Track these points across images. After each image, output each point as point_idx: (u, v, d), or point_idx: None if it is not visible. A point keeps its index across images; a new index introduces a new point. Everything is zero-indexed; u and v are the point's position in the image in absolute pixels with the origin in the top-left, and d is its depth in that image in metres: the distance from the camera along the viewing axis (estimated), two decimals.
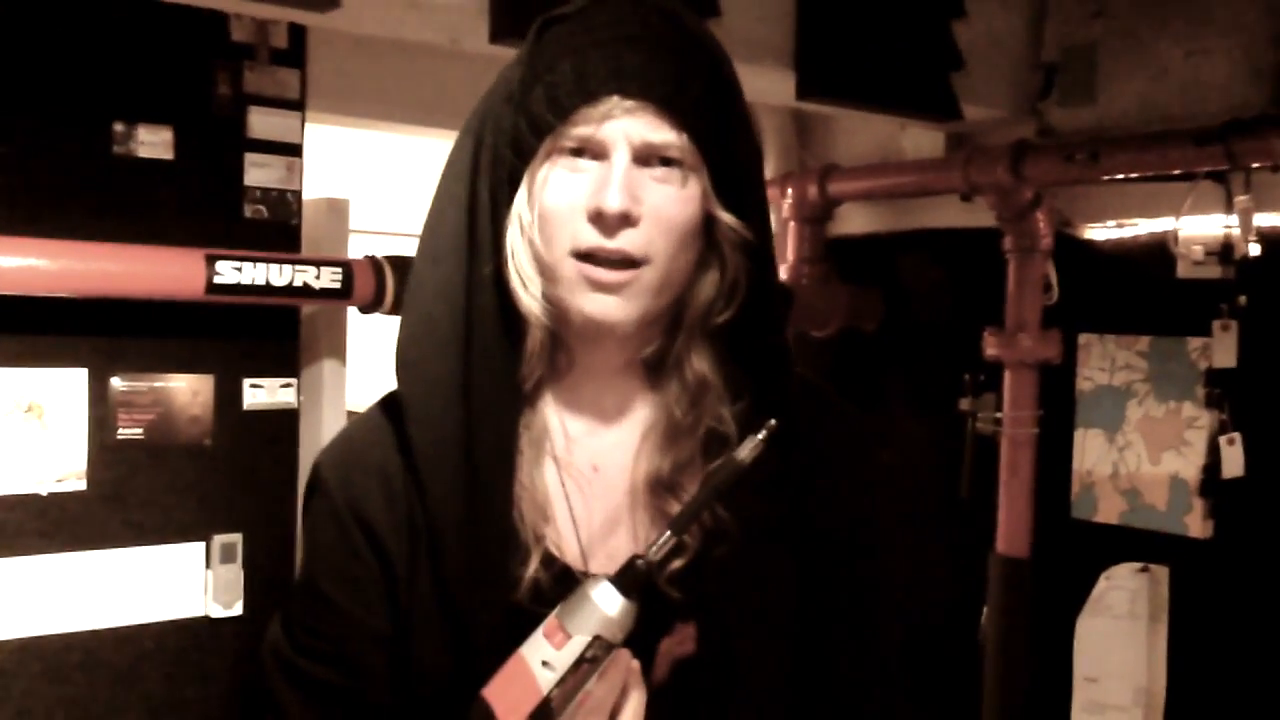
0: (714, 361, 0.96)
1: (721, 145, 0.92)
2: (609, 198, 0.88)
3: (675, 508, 0.93)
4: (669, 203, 0.90)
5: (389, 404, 0.99)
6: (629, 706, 0.87)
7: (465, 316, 0.92)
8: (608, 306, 0.91)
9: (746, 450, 0.87)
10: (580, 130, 0.90)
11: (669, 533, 0.87)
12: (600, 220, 0.89)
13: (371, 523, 0.95)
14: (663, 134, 0.90)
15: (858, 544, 1.01)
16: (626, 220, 0.89)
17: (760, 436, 0.87)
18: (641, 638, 0.88)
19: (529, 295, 0.92)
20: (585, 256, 0.90)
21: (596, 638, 0.86)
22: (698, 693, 0.93)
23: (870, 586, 1.01)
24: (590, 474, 0.97)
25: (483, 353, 0.93)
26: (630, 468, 0.97)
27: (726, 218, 0.93)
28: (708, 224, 0.93)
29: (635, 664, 0.87)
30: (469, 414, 0.92)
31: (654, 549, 0.87)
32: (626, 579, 0.86)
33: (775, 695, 0.96)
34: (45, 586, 2.02)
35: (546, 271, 0.91)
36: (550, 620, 0.86)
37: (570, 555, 0.95)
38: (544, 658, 0.86)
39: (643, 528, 0.96)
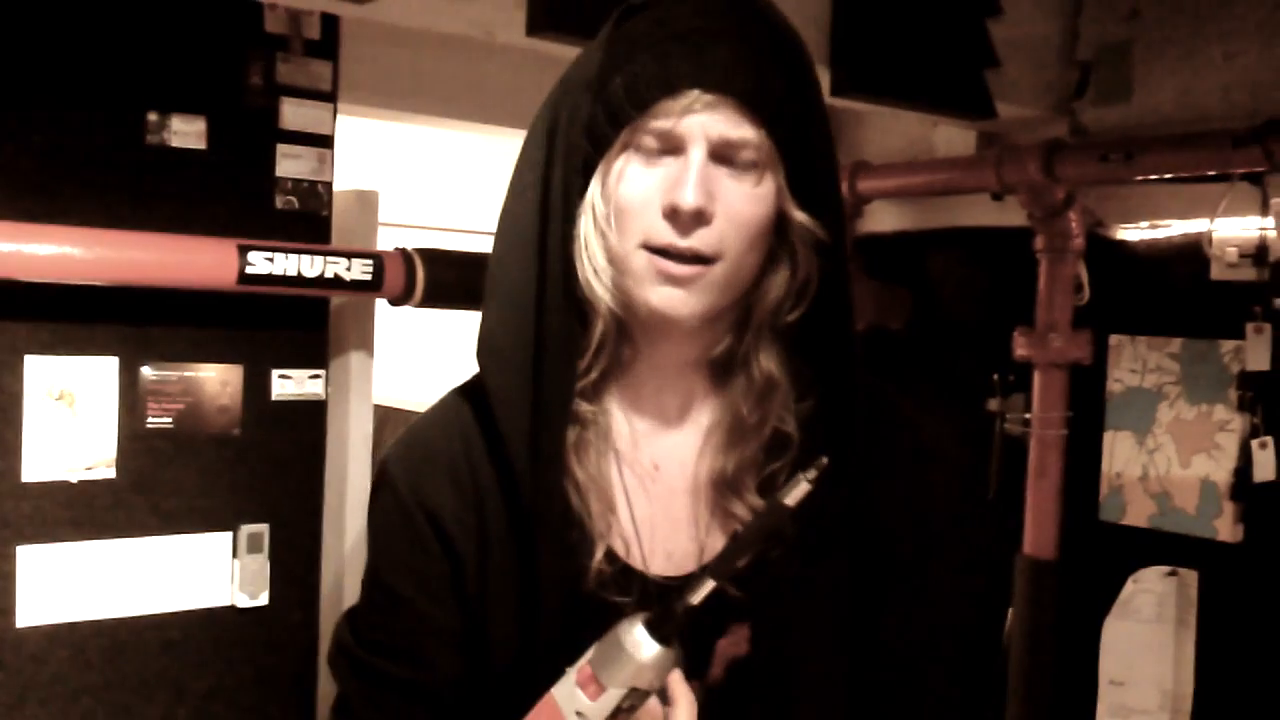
0: (781, 360, 0.95)
1: (799, 142, 0.91)
2: (685, 195, 0.87)
3: (738, 508, 0.93)
4: (743, 201, 0.89)
5: (457, 399, 0.99)
6: None
7: (537, 305, 0.91)
8: (675, 300, 0.89)
9: (793, 495, 0.84)
10: (659, 123, 0.88)
11: (709, 579, 0.83)
12: (675, 217, 0.88)
13: (440, 517, 0.94)
14: (742, 130, 0.88)
15: (915, 550, 1.00)
16: (700, 218, 0.87)
17: (809, 477, 0.83)
18: (698, 637, 0.87)
19: (600, 284, 0.91)
20: (657, 250, 0.89)
21: (633, 690, 0.83)
22: (752, 693, 0.92)
23: (925, 593, 1.00)
24: (652, 471, 0.96)
25: (553, 342, 0.91)
26: (693, 467, 0.96)
27: (800, 216, 0.92)
28: (780, 221, 0.92)
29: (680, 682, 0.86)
30: (537, 404, 0.91)
31: (694, 594, 0.83)
32: (663, 624, 0.83)
33: (830, 698, 0.95)
34: (74, 574, 2.03)
35: (617, 262, 0.90)
36: (584, 668, 0.84)
37: (632, 553, 0.94)
38: (578, 709, 0.83)
39: (704, 528, 0.95)
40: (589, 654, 0.84)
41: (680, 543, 0.94)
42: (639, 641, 0.82)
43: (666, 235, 0.88)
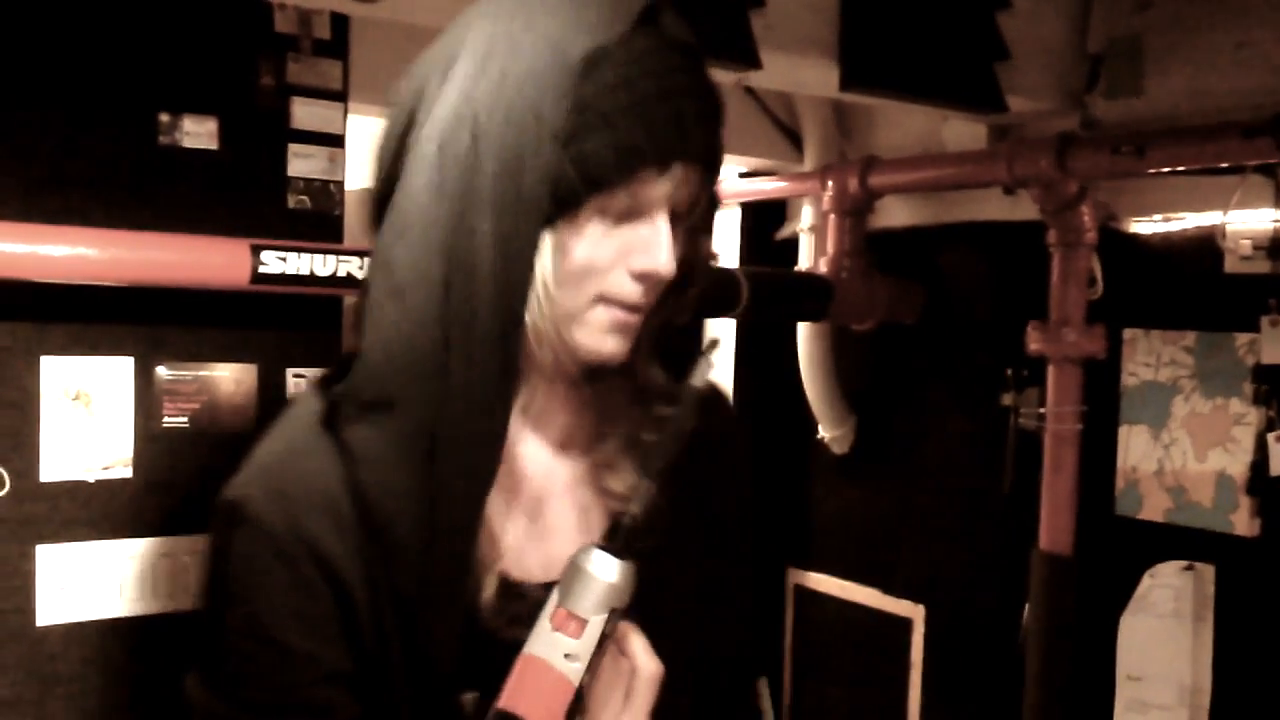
0: (654, 359, 0.99)
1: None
2: (662, 262, 0.89)
3: (615, 483, 0.97)
4: (678, 250, 0.92)
5: (316, 418, 0.92)
6: (641, 665, 0.87)
7: (465, 348, 0.86)
8: (619, 343, 0.93)
9: (699, 375, 0.88)
10: (639, 191, 0.88)
11: (645, 482, 0.86)
12: (645, 279, 0.90)
13: (324, 553, 0.88)
14: (697, 191, 0.91)
15: (734, 528, 1.08)
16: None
17: (710, 359, 0.88)
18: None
19: (550, 329, 0.90)
20: (614, 302, 0.91)
21: (612, 611, 0.84)
22: None
23: (739, 572, 1.11)
24: (537, 486, 0.98)
25: (474, 381, 0.87)
26: (573, 470, 0.99)
27: (709, 247, 0.98)
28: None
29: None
30: (449, 448, 0.87)
31: (634, 501, 0.86)
32: (616, 540, 0.85)
33: (686, 680, 0.99)
34: (91, 572, 2.05)
35: (564, 312, 0.90)
36: (557, 612, 0.84)
37: (533, 570, 0.94)
38: (565, 651, 0.83)
39: (597, 525, 0.96)
40: (554, 598, 0.85)
41: (568, 544, 0.91)
42: (603, 564, 0.84)
43: (632, 294, 0.91)
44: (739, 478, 1.13)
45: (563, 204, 0.87)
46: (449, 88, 0.87)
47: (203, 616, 0.92)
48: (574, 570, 0.85)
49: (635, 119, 0.86)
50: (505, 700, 0.83)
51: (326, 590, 0.88)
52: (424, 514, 0.87)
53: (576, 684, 0.83)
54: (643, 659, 0.87)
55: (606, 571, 0.84)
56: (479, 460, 0.88)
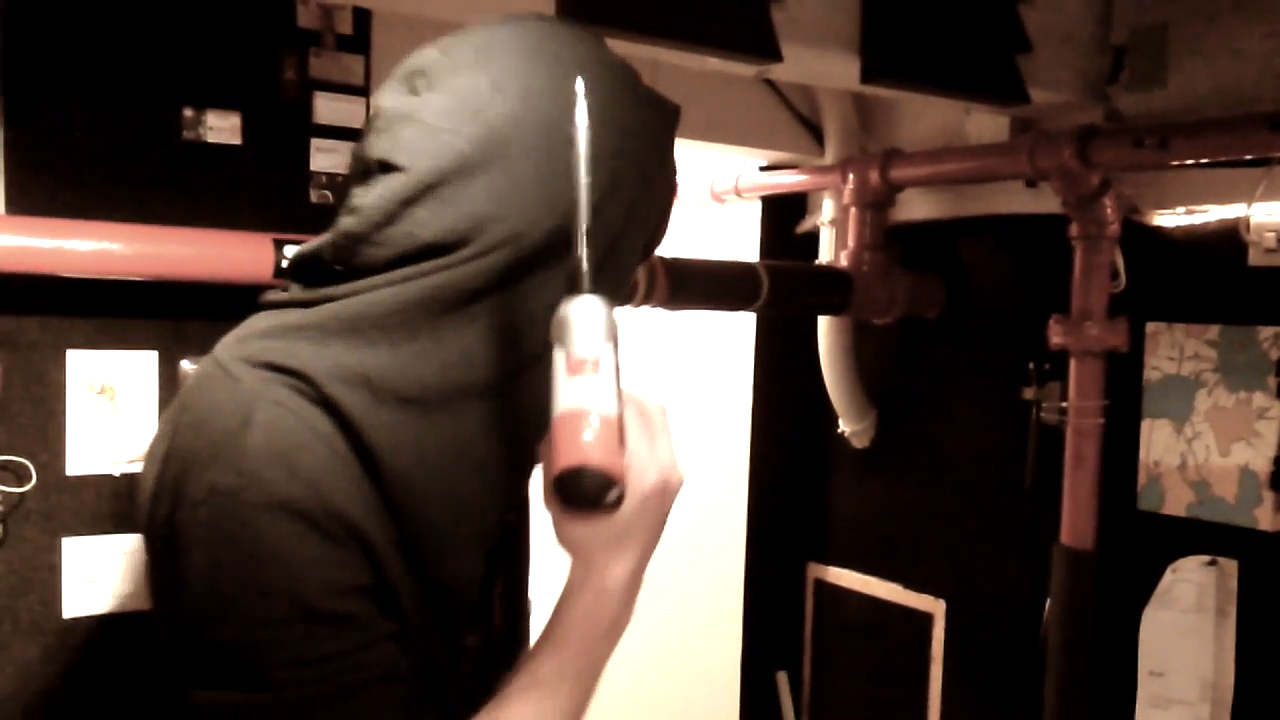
0: None
1: None
2: None
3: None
4: None
5: (289, 392, 0.92)
6: (645, 399, 0.90)
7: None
8: None
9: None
10: None
11: (581, 229, 0.86)
12: None
13: (348, 516, 0.88)
14: None
15: None
16: None
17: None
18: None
19: None
20: None
21: (613, 341, 0.86)
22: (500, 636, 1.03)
23: None
24: None
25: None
26: None
27: None
28: None
29: None
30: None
31: (577, 249, 0.86)
32: (579, 281, 0.86)
33: None
34: (118, 565, 2.06)
35: None
36: (569, 362, 0.84)
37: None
38: (593, 391, 0.84)
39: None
40: (559, 354, 0.85)
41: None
42: (584, 303, 0.86)
43: None
44: None
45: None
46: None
47: (213, 621, 0.88)
48: (564, 322, 0.86)
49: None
50: (563, 459, 0.83)
51: (359, 552, 0.88)
52: (434, 468, 0.91)
53: (616, 415, 0.84)
54: (643, 395, 0.89)
55: (593, 309, 0.85)
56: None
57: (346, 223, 0.95)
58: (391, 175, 0.93)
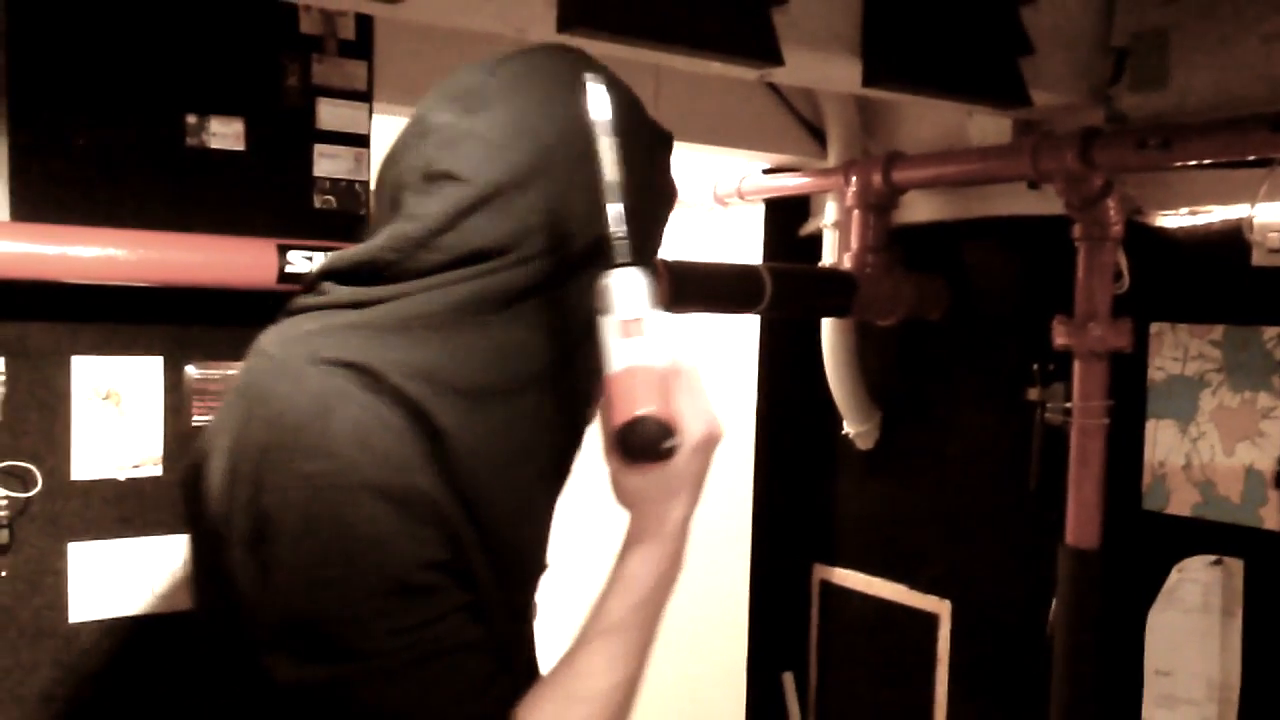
0: None
1: None
2: None
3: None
4: None
5: (354, 387, 0.98)
6: (683, 361, 0.99)
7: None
8: None
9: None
10: None
11: (619, 205, 0.96)
12: None
13: (428, 492, 0.96)
14: None
15: None
16: None
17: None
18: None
19: None
20: None
21: (655, 306, 0.96)
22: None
23: None
24: None
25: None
26: None
27: None
28: None
29: None
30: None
31: (610, 225, 0.95)
32: (616, 256, 0.95)
33: None
34: (123, 569, 2.07)
35: None
36: (621, 325, 0.95)
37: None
38: (644, 350, 0.94)
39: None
40: (609, 320, 0.95)
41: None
42: (626, 276, 0.95)
43: None
44: None
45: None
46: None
47: (307, 598, 0.93)
48: (610, 291, 0.95)
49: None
50: (624, 411, 0.94)
51: (438, 528, 0.96)
52: (491, 451, 1.01)
53: (666, 372, 0.96)
54: (680, 356, 0.98)
55: (634, 278, 0.95)
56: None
57: (406, 229, 1.03)
58: (454, 186, 1.02)
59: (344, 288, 1.06)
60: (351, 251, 1.06)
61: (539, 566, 1.13)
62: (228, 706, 1.06)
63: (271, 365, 1.03)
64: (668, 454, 0.96)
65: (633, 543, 1.01)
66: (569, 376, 1.06)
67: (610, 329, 0.95)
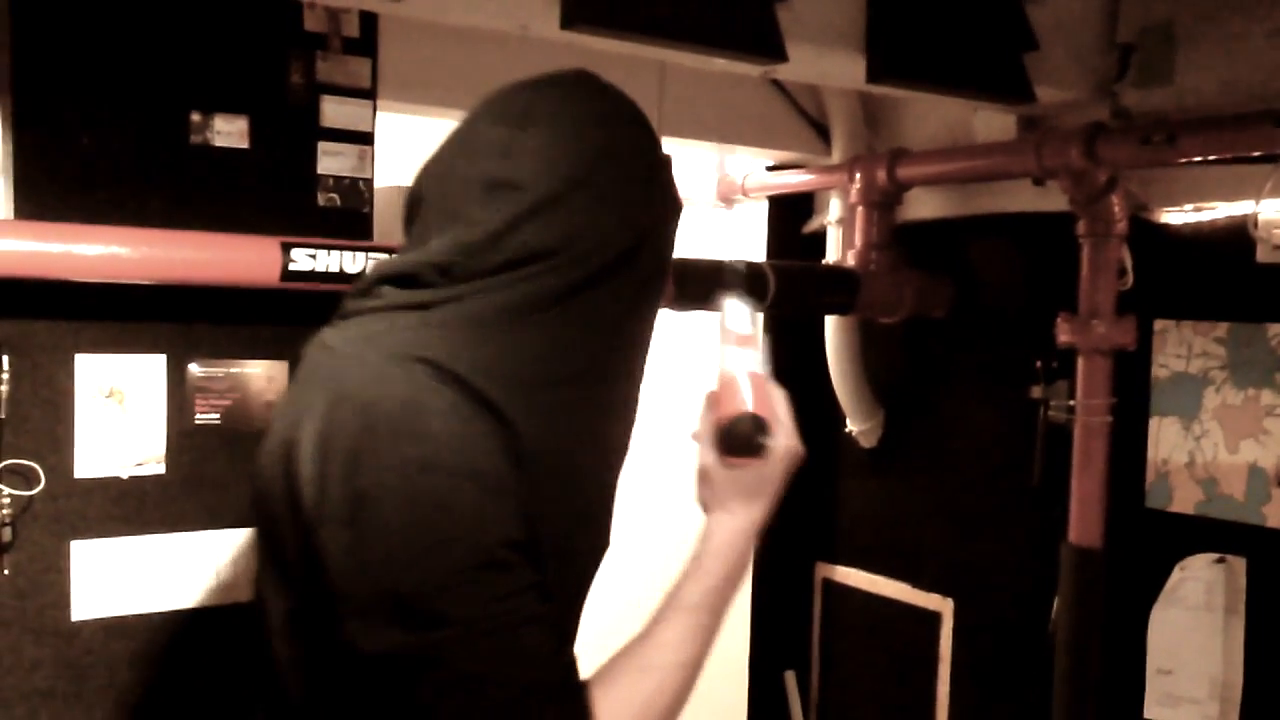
0: None
1: None
2: None
3: None
4: None
5: (438, 384, 1.08)
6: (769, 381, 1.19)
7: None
8: None
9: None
10: None
11: (735, 269, 1.33)
12: None
13: (510, 483, 1.06)
14: None
15: None
16: None
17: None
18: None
19: None
20: None
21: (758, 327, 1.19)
22: None
23: None
24: None
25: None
26: None
27: None
28: None
29: None
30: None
31: (733, 268, 1.26)
32: (734, 285, 1.21)
33: None
34: (126, 568, 2.07)
35: None
36: (736, 337, 1.15)
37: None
38: (752, 359, 1.15)
39: None
40: (726, 331, 1.16)
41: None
42: (739, 297, 1.18)
43: None
44: None
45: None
46: None
47: (405, 570, 1.00)
48: (729, 310, 1.17)
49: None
50: (730, 407, 1.13)
51: (516, 509, 1.05)
52: (550, 437, 1.11)
53: (766, 382, 1.15)
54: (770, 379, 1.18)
55: (744, 303, 1.17)
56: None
57: (470, 233, 1.12)
58: (514, 193, 1.12)
59: (402, 291, 1.14)
60: (406, 258, 1.15)
61: (601, 546, 1.23)
62: (279, 689, 1.15)
63: (349, 361, 1.11)
64: (761, 450, 1.12)
65: (713, 534, 1.16)
66: (616, 367, 1.18)
67: (727, 339, 1.14)
